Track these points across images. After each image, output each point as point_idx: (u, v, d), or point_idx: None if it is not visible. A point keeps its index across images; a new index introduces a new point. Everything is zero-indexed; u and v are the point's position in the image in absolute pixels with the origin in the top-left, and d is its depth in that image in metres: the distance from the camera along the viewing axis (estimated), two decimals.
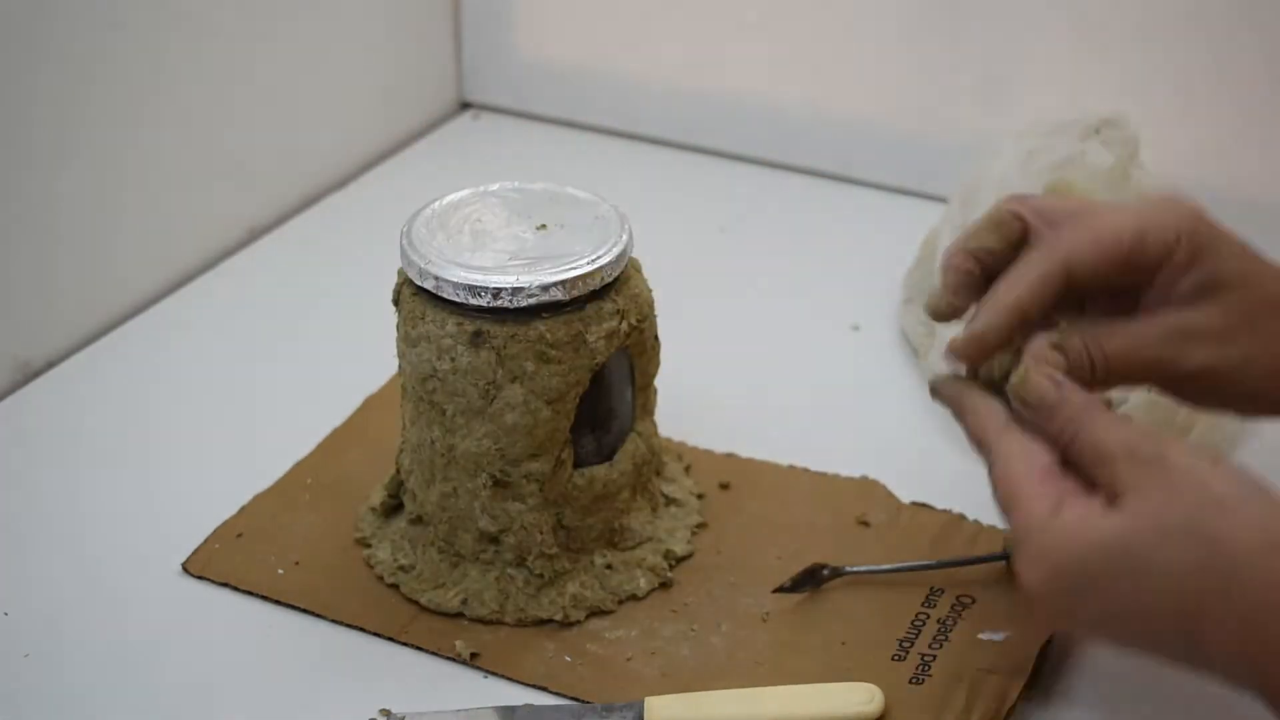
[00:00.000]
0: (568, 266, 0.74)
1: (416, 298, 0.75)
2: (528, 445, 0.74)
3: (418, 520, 0.79)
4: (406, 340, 0.76)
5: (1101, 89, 1.04)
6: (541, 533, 0.76)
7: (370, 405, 0.90)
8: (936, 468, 0.86)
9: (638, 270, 0.78)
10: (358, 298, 0.92)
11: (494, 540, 0.77)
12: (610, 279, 0.75)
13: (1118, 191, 0.97)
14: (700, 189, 1.12)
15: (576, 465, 0.76)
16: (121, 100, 0.96)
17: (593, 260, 0.74)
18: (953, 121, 1.08)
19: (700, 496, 0.83)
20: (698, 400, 0.89)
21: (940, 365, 0.90)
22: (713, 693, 0.71)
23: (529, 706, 0.71)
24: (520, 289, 0.73)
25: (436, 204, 0.78)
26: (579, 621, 0.76)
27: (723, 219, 1.09)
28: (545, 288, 0.73)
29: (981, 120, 1.07)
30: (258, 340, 0.97)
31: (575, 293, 0.73)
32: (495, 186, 0.79)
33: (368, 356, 0.90)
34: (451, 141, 1.17)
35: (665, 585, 0.78)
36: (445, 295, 0.74)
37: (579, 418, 0.75)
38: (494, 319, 0.73)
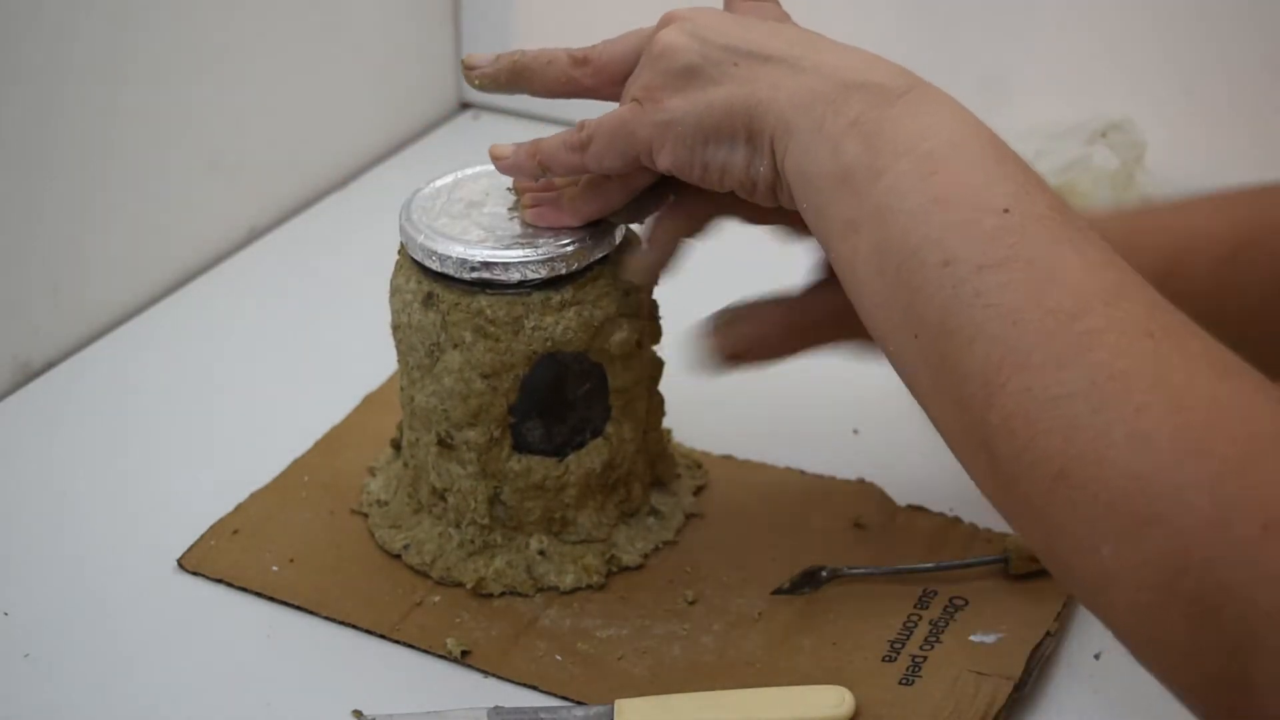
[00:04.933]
0: (516, 249, 0.75)
1: (403, 251, 0.79)
2: (463, 413, 0.76)
3: (405, 462, 0.82)
4: (390, 287, 0.79)
5: (1103, 89, 1.04)
6: (475, 501, 0.78)
7: (369, 404, 0.91)
8: (933, 471, 0.86)
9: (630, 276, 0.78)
10: (358, 298, 0.92)
11: (441, 497, 0.79)
12: (561, 273, 0.75)
13: (1123, 195, 0.97)
14: None
15: (521, 449, 0.77)
16: (121, 100, 0.96)
17: (544, 251, 0.75)
18: None
19: (691, 516, 0.83)
20: (696, 401, 0.89)
21: None
22: (682, 695, 0.72)
23: (498, 709, 0.71)
24: (465, 261, 0.75)
25: (460, 173, 0.81)
26: (492, 594, 0.78)
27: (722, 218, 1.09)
28: (487, 265, 0.75)
29: (982, 119, 1.07)
30: (258, 340, 0.97)
31: (515, 277, 0.75)
32: None
33: (367, 355, 0.91)
34: (451, 141, 1.18)
35: (596, 587, 0.78)
36: (413, 254, 0.77)
37: (528, 402, 0.76)
38: (444, 285, 0.76)
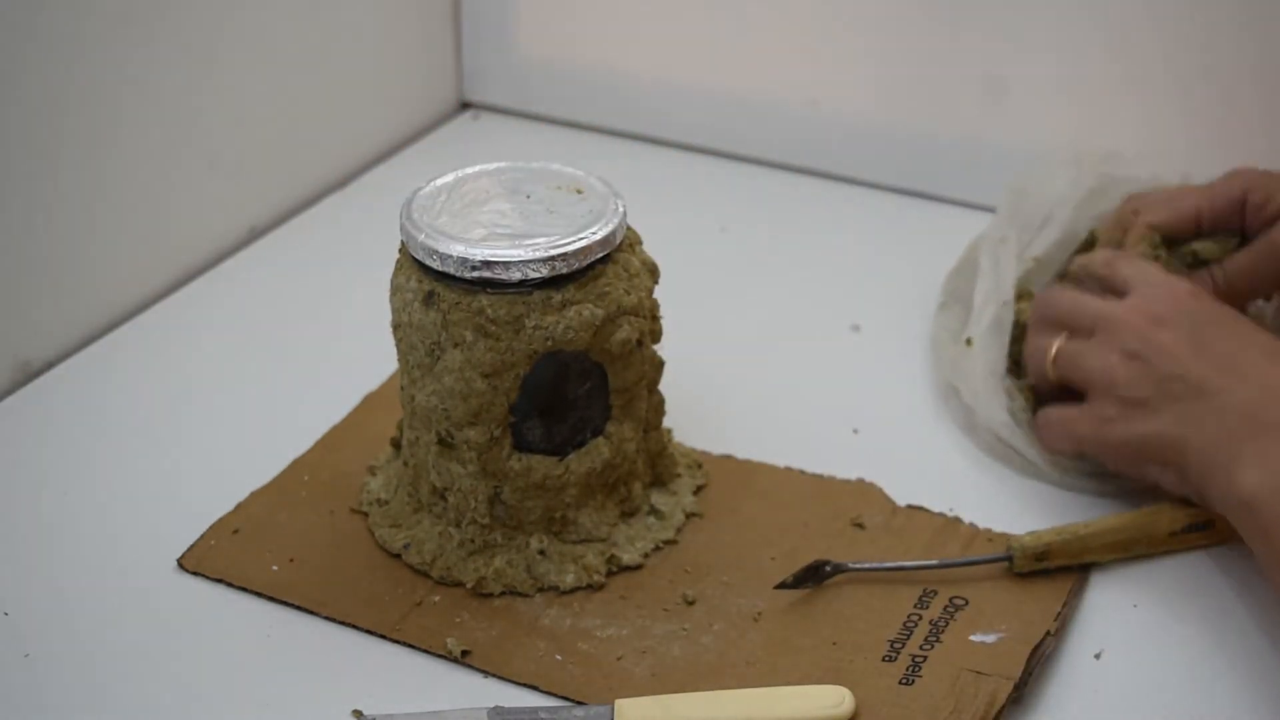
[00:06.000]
0: (517, 248, 0.75)
1: (404, 249, 0.79)
2: (464, 412, 0.76)
3: (405, 461, 0.82)
4: (390, 286, 0.79)
5: (1104, 92, 1.04)
6: (476, 500, 0.78)
7: (369, 404, 0.91)
8: (934, 471, 0.86)
9: (631, 276, 0.78)
10: (358, 298, 0.92)
11: (442, 496, 0.79)
12: (562, 272, 0.75)
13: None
14: (700, 189, 1.12)
15: (522, 449, 0.78)
16: (121, 100, 0.96)
17: (545, 250, 0.75)
18: (954, 123, 1.08)
19: (691, 516, 0.83)
20: (696, 400, 0.89)
21: (953, 376, 0.90)
22: (682, 695, 0.72)
23: (498, 709, 0.71)
24: (466, 260, 0.75)
25: (461, 173, 0.81)
26: (492, 594, 0.78)
27: (723, 219, 1.09)
28: (488, 264, 0.75)
29: (984, 122, 1.07)
30: (258, 340, 0.97)
31: (516, 276, 0.75)
32: (534, 165, 0.82)
33: (367, 355, 0.91)
34: (451, 141, 1.18)
35: (596, 587, 0.78)
36: (414, 253, 0.77)
37: (528, 402, 0.77)
38: (445, 284, 0.76)
